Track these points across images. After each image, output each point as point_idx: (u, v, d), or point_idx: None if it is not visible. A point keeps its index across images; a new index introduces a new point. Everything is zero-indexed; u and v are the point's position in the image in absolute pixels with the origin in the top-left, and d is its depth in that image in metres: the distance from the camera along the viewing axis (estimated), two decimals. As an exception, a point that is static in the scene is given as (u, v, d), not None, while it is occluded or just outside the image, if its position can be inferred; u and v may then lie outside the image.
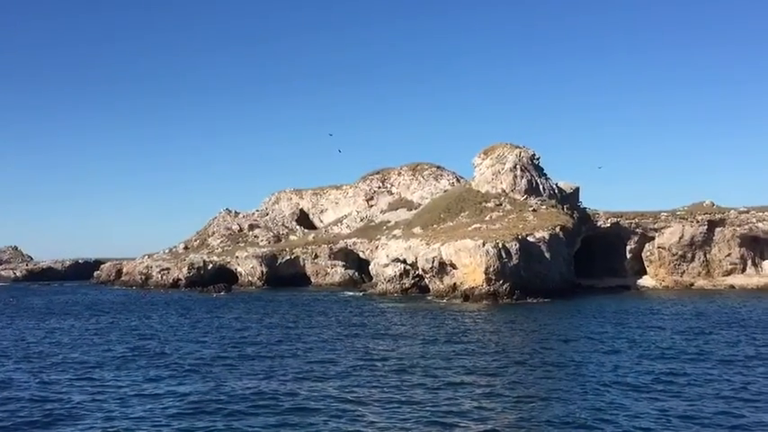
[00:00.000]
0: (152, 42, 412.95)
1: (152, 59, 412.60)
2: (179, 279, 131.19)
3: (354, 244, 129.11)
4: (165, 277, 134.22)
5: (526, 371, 37.74)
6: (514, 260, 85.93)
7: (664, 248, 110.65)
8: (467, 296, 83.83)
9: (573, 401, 30.76)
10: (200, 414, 29.61)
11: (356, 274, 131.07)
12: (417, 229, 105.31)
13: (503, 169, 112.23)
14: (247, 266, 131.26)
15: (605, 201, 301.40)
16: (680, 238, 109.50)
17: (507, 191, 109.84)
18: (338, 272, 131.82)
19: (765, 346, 46.41)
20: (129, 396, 33.16)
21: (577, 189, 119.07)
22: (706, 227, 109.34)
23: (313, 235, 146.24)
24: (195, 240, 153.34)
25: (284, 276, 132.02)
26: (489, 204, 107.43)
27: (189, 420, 28.73)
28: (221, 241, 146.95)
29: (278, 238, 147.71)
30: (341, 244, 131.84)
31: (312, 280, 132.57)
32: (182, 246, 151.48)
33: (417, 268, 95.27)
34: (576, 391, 32.84)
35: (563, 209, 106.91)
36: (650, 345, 47.26)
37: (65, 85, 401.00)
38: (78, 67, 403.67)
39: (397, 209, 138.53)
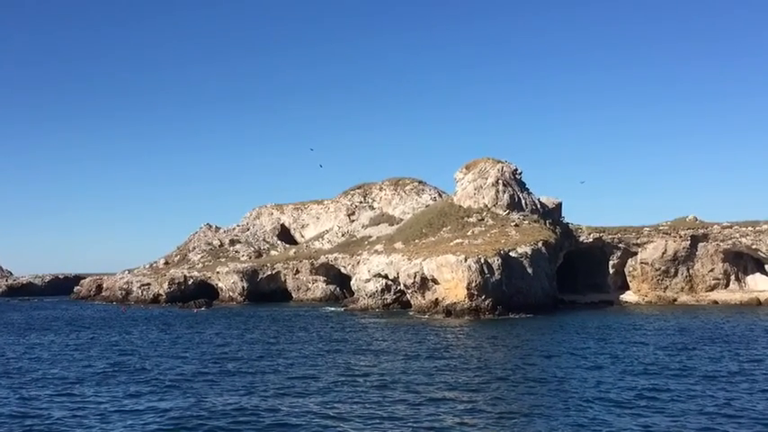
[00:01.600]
0: (133, 57, 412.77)
1: (133, 74, 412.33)
2: (159, 294, 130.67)
3: (336, 259, 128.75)
4: (145, 292, 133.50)
5: (508, 387, 37.58)
6: (497, 275, 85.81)
7: (647, 263, 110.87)
8: (449, 311, 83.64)
9: (555, 417, 30.62)
10: (180, 430, 29.42)
11: (338, 289, 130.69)
12: (399, 245, 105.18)
13: (485, 184, 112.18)
14: (228, 282, 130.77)
15: (588, 216, 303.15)
16: (663, 253, 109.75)
17: (489, 206, 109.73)
18: (319, 287, 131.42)
19: (749, 362, 46.44)
20: (109, 412, 32.89)
21: (560, 204, 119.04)
22: (689, 242, 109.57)
23: (294, 250, 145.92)
24: (176, 255, 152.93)
25: (265, 292, 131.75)
26: (471, 219, 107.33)
27: (169, 437, 28.54)
28: (202, 256, 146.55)
29: (259, 254, 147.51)
30: (322, 259, 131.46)
31: (293, 295, 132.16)
32: (162, 261, 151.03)
33: (399, 283, 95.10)
34: (559, 407, 32.71)
35: (545, 224, 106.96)
36: (633, 360, 47.22)
37: (45, 100, 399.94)
38: (58, 81, 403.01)
39: (378, 224, 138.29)
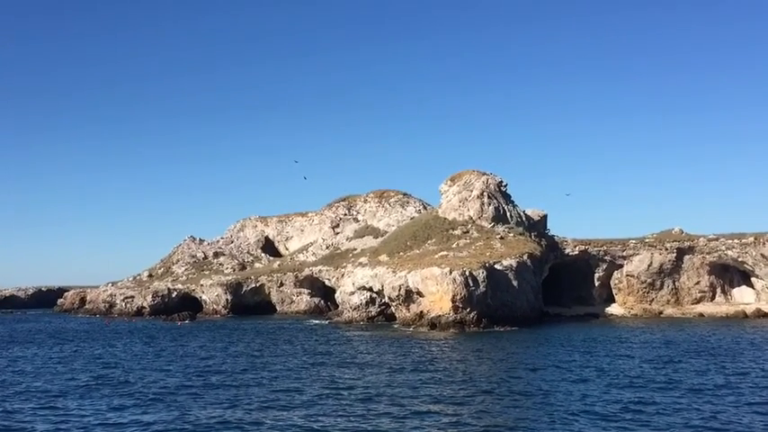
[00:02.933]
0: (116, 67, 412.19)
1: (116, 84, 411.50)
2: (143, 307, 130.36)
3: (320, 272, 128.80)
4: (129, 305, 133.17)
5: (493, 400, 37.40)
6: (482, 288, 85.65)
7: (632, 276, 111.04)
8: (434, 324, 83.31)
9: (540, 431, 30.48)
10: (163, 444, 29.23)
11: (322, 302, 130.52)
12: (383, 257, 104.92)
13: (470, 196, 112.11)
14: (212, 294, 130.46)
15: (573, 228, 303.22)
16: (649, 265, 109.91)
17: (474, 218, 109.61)
18: (304, 300, 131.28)
19: (735, 375, 46.37)
20: (92, 425, 32.67)
21: (545, 216, 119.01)
22: (674, 254, 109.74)
23: (278, 262, 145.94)
24: (160, 268, 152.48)
25: (249, 304, 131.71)
26: (456, 232, 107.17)
27: (152, 451, 28.32)
28: (186, 269, 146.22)
29: (243, 266, 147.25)
30: (306, 272, 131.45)
31: (278, 308, 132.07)
32: (146, 273, 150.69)
33: (384, 296, 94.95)
34: (544, 420, 32.56)
35: (531, 236, 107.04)
36: (619, 373, 47.09)
37: (26, 110, 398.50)
38: (39, 92, 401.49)
39: (363, 236, 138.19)
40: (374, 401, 37.22)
